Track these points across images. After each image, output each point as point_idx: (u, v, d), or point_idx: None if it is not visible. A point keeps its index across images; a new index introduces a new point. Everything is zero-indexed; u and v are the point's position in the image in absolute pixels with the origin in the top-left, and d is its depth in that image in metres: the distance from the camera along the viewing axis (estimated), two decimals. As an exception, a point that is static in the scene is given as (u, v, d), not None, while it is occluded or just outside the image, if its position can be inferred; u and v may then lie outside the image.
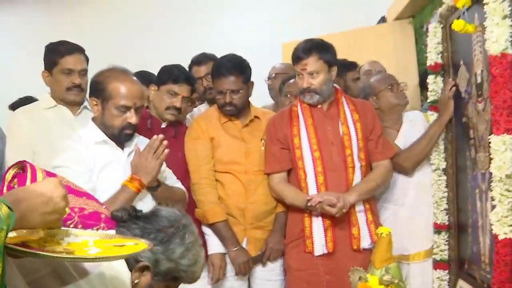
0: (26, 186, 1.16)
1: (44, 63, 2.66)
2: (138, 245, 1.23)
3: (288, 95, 2.99)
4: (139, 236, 1.29)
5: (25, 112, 2.68)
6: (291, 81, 3.05)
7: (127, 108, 2.06)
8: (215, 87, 2.62)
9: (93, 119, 2.16)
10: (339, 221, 2.41)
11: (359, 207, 2.45)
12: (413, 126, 2.72)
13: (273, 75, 3.48)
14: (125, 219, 1.35)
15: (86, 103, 2.69)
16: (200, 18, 5.04)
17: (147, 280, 1.30)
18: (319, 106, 2.52)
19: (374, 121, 2.56)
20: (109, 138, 2.10)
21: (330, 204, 2.31)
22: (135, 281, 1.29)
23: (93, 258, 1.14)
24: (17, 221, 0.97)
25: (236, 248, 2.54)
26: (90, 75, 2.59)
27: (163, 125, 2.60)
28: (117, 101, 2.04)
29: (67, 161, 2.01)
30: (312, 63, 2.43)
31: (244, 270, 2.56)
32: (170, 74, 2.58)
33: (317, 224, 2.43)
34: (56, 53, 2.60)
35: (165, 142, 2.08)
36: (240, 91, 2.56)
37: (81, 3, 5.21)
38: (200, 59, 3.10)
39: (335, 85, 2.60)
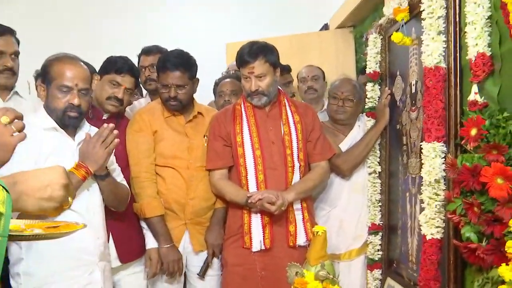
0: (28, 170, 1.13)
1: None
2: (71, 225, 1.25)
3: (222, 95, 3.07)
4: None
5: None
6: (225, 80, 3.11)
7: (69, 89, 2.03)
8: (160, 80, 2.60)
9: (45, 106, 2.11)
10: (277, 218, 2.47)
11: (297, 206, 2.52)
12: (359, 132, 2.82)
13: (232, 71, 3.56)
14: None
15: (16, 89, 2.63)
16: (146, 15, 5.00)
17: None
18: (262, 106, 2.57)
19: (314, 124, 2.63)
20: (59, 125, 2.07)
21: (269, 201, 2.37)
22: None
23: (52, 234, 1.17)
24: (12, 203, 0.97)
25: (168, 245, 2.53)
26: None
27: (105, 116, 2.56)
28: (59, 82, 2.02)
29: None
30: (259, 66, 2.47)
31: (173, 269, 2.55)
32: (114, 65, 2.56)
33: (256, 221, 2.48)
34: None
35: (115, 132, 2.06)
36: (186, 86, 2.56)
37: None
38: (150, 49, 3.11)
39: (278, 87, 2.67)
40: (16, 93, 2.62)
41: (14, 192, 0.99)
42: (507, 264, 1.39)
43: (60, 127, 2.08)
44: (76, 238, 1.99)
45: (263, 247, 2.47)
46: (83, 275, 2.06)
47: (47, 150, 2.00)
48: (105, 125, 2.07)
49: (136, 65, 2.91)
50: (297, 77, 3.59)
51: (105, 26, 4.92)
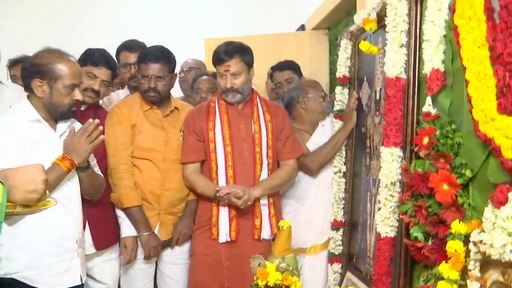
0: (15, 167, 1.35)
1: None
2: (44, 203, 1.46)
3: (199, 91, 3.18)
4: None
5: None
6: (202, 78, 3.22)
7: (74, 86, 2.17)
8: (140, 72, 2.70)
9: (30, 97, 2.18)
10: (244, 212, 2.59)
11: (264, 201, 2.64)
12: (324, 131, 2.95)
13: (186, 68, 3.67)
14: None
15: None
16: (126, 8, 5.00)
17: None
18: (235, 104, 2.68)
19: (284, 123, 2.75)
20: (53, 117, 2.17)
21: (236, 196, 2.49)
22: None
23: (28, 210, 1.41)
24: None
25: (148, 233, 2.65)
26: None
27: (83, 108, 2.63)
28: (66, 81, 2.13)
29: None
30: (235, 64, 2.58)
31: (153, 254, 2.69)
32: (91, 57, 2.64)
33: (223, 214, 2.60)
34: None
35: (100, 128, 2.17)
36: (165, 78, 2.68)
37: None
38: (132, 46, 3.13)
39: (252, 86, 2.77)
40: (0, 82, 2.69)
41: (6, 185, 1.19)
42: (446, 262, 1.54)
43: (52, 120, 2.18)
44: (57, 226, 2.12)
45: (228, 239, 2.59)
46: (64, 261, 2.15)
47: (32, 141, 2.09)
48: (91, 120, 2.17)
49: (115, 58, 2.97)
50: (268, 74, 3.70)
51: (82, 18, 4.91)
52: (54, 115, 2.19)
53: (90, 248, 2.53)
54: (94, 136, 2.15)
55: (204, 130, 2.66)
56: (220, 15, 4.91)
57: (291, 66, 3.52)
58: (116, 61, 3.00)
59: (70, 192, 2.20)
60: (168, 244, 2.75)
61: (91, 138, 2.14)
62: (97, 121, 2.17)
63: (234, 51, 2.60)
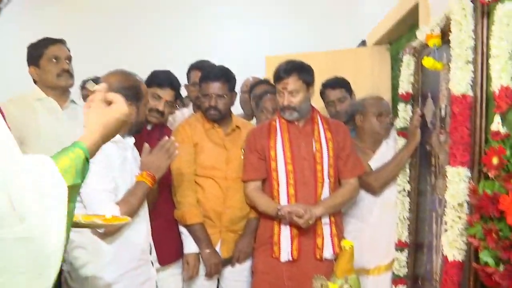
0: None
1: (29, 61, 2.78)
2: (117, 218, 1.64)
3: (264, 111, 3.19)
4: None
5: (14, 102, 2.77)
6: (268, 97, 3.25)
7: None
8: (202, 91, 2.78)
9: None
10: (306, 231, 2.58)
11: (325, 220, 2.61)
12: (388, 148, 2.89)
13: (246, 87, 3.70)
14: None
15: (72, 98, 2.83)
16: (186, 28, 5.13)
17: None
18: (296, 123, 2.69)
19: (345, 141, 2.72)
20: (123, 134, 2.23)
21: (297, 215, 2.48)
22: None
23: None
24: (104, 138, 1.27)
25: (209, 250, 2.69)
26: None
27: (149, 127, 2.73)
28: (146, 100, 2.31)
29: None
30: (292, 82, 2.61)
31: (214, 272, 2.72)
32: (156, 78, 2.74)
33: (285, 233, 2.60)
34: (40, 46, 2.76)
35: (176, 144, 2.28)
36: (225, 96, 2.74)
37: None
38: (202, 66, 3.22)
39: (312, 104, 2.77)
40: (73, 101, 2.84)
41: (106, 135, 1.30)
42: (520, 290, 1.47)
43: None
44: (139, 241, 2.20)
45: (290, 258, 2.58)
46: (143, 273, 2.22)
47: (117, 162, 2.16)
48: (166, 137, 2.31)
49: (186, 78, 3.06)
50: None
51: (147, 40, 5.07)
52: (130, 133, 2.26)
53: (154, 263, 2.59)
54: (171, 152, 2.25)
55: (265, 149, 2.68)
56: (281, 32, 4.94)
57: (343, 84, 3.38)
58: (187, 79, 3.10)
59: (144, 207, 2.29)
60: (229, 261, 2.77)
61: (169, 154, 2.25)
62: (172, 138, 2.30)
63: (292, 69, 2.62)
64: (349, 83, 3.42)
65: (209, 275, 2.72)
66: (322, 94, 3.45)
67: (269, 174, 2.67)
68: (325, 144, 2.67)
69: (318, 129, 2.70)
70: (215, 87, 2.73)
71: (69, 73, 2.78)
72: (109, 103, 1.35)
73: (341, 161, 2.70)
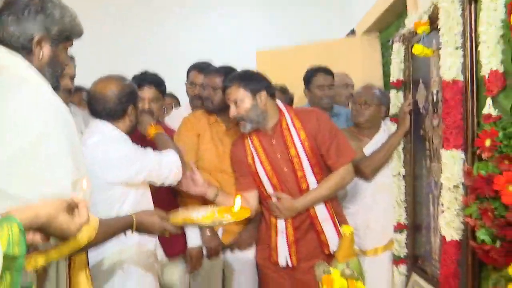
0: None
1: None
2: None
3: None
4: (15, 23, 1.37)
5: None
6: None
7: None
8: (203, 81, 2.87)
9: (116, 123, 2.32)
10: (303, 234, 2.61)
11: (322, 216, 2.60)
12: (386, 135, 2.94)
13: None
14: None
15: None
16: (176, 24, 5.15)
17: (48, 50, 1.42)
18: (263, 132, 2.61)
19: (320, 128, 2.58)
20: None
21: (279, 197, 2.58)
22: (40, 55, 1.40)
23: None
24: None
25: (210, 233, 2.75)
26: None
27: None
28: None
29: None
30: (234, 92, 2.53)
31: (214, 253, 2.78)
32: (134, 81, 2.69)
33: (282, 240, 2.61)
34: None
35: None
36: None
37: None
38: (201, 67, 3.19)
39: (278, 104, 2.65)
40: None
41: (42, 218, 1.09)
42: (517, 264, 1.53)
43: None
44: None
45: (290, 264, 2.61)
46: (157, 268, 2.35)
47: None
48: None
49: (177, 76, 3.10)
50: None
51: (135, 39, 5.07)
52: (129, 135, 2.35)
53: (160, 256, 2.66)
54: None
55: (245, 166, 2.66)
56: (271, 26, 4.98)
57: (332, 73, 3.49)
58: (186, 78, 3.15)
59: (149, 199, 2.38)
60: (229, 247, 2.83)
61: None
62: None
63: (232, 79, 2.55)
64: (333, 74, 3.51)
65: (209, 257, 2.78)
66: (311, 77, 3.46)
67: (258, 187, 2.67)
68: (301, 146, 2.57)
69: (289, 133, 2.58)
70: (214, 79, 2.75)
71: (69, 92, 2.75)
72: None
73: (324, 154, 2.61)
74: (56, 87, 1.40)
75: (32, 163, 1.21)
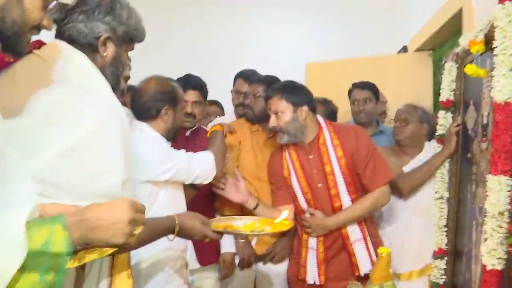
0: (96, 205, 1.13)
1: None
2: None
3: None
4: (85, 21, 1.40)
5: None
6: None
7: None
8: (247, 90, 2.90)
9: (151, 123, 2.32)
10: (335, 255, 2.59)
11: (355, 236, 2.56)
12: (429, 156, 2.83)
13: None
14: (62, 17, 1.42)
15: None
16: (228, 34, 5.18)
17: (112, 50, 1.45)
18: (301, 145, 2.59)
19: (358, 146, 2.55)
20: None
21: (312, 213, 2.54)
22: (104, 54, 1.43)
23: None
24: (80, 239, 1.06)
25: (244, 241, 2.74)
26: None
27: (188, 133, 2.81)
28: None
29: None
30: (275, 103, 2.52)
31: (247, 263, 2.77)
32: (178, 83, 2.76)
33: (311, 259, 2.58)
34: None
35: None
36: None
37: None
38: (247, 75, 3.22)
39: (319, 118, 2.62)
40: None
41: (80, 228, 1.05)
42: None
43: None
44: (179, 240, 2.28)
45: (317, 282, 2.58)
46: (185, 273, 2.33)
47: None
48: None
49: (223, 84, 3.12)
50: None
51: (184, 45, 5.12)
52: (167, 139, 2.34)
53: (195, 263, 2.65)
54: None
55: (283, 179, 2.65)
56: (322, 39, 4.95)
57: (371, 87, 3.49)
58: (233, 85, 3.18)
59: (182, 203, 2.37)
60: (262, 258, 2.81)
61: None
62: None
63: (275, 90, 2.55)
64: (377, 88, 3.51)
65: (241, 267, 2.77)
66: (350, 93, 3.55)
67: (294, 201, 2.66)
68: (337, 164, 2.53)
69: (326, 150, 2.55)
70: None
71: (122, 92, 2.80)
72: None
73: (361, 173, 2.57)
74: (115, 87, 1.43)
75: (87, 156, 1.23)
